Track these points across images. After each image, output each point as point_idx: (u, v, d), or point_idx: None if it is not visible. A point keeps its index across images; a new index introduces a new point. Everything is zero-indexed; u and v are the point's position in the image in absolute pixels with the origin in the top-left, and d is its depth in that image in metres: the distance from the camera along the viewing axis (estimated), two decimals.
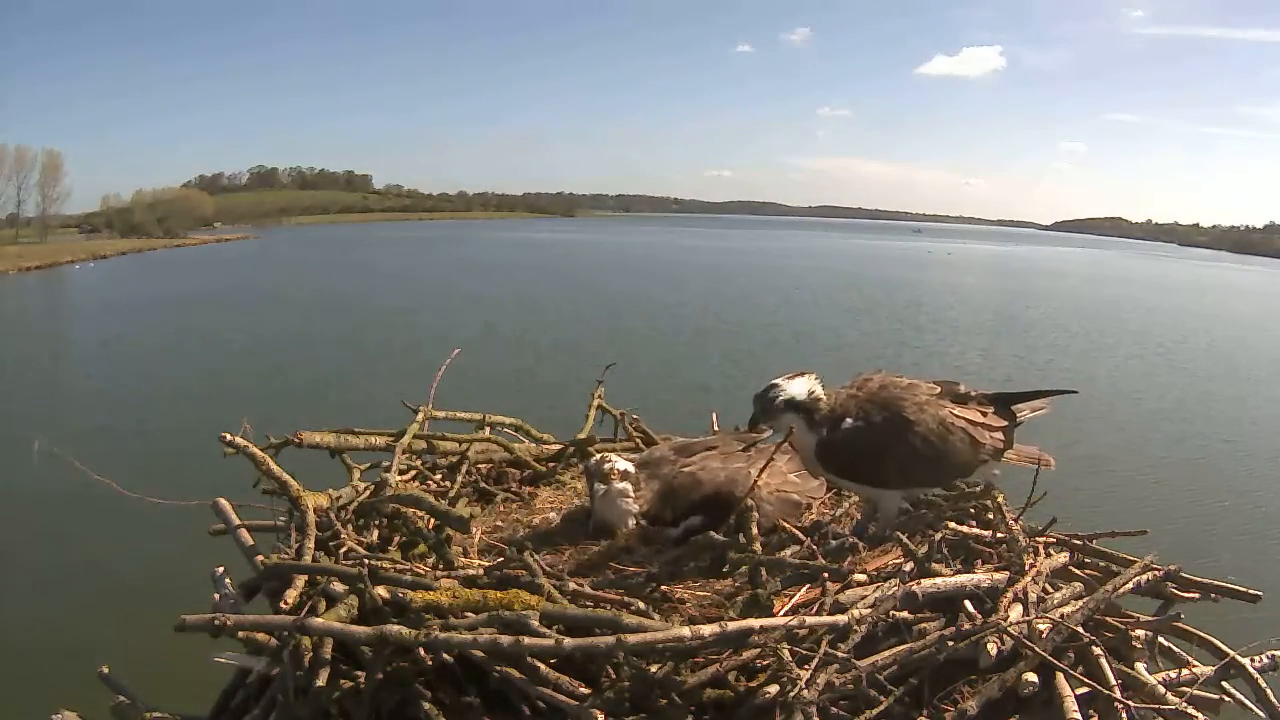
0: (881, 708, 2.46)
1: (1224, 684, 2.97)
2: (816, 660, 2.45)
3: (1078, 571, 3.18)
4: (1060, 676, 2.62)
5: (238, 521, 3.34)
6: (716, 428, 4.66)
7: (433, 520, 3.30)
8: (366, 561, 2.86)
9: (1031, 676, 2.59)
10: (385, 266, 69.14)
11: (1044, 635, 2.67)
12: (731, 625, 2.50)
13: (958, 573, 2.94)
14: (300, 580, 2.83)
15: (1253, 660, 2.93)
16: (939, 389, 3.41)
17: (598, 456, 3.67)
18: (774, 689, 2.44)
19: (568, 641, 2.44)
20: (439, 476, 4.09)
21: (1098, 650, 2.76)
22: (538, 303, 45.62)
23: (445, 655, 2.60)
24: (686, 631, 2.47)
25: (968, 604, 2.79)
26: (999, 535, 3.20)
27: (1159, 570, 3.15)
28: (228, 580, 3.24)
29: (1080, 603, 2.90)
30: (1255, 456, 21.25)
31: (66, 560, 13.45)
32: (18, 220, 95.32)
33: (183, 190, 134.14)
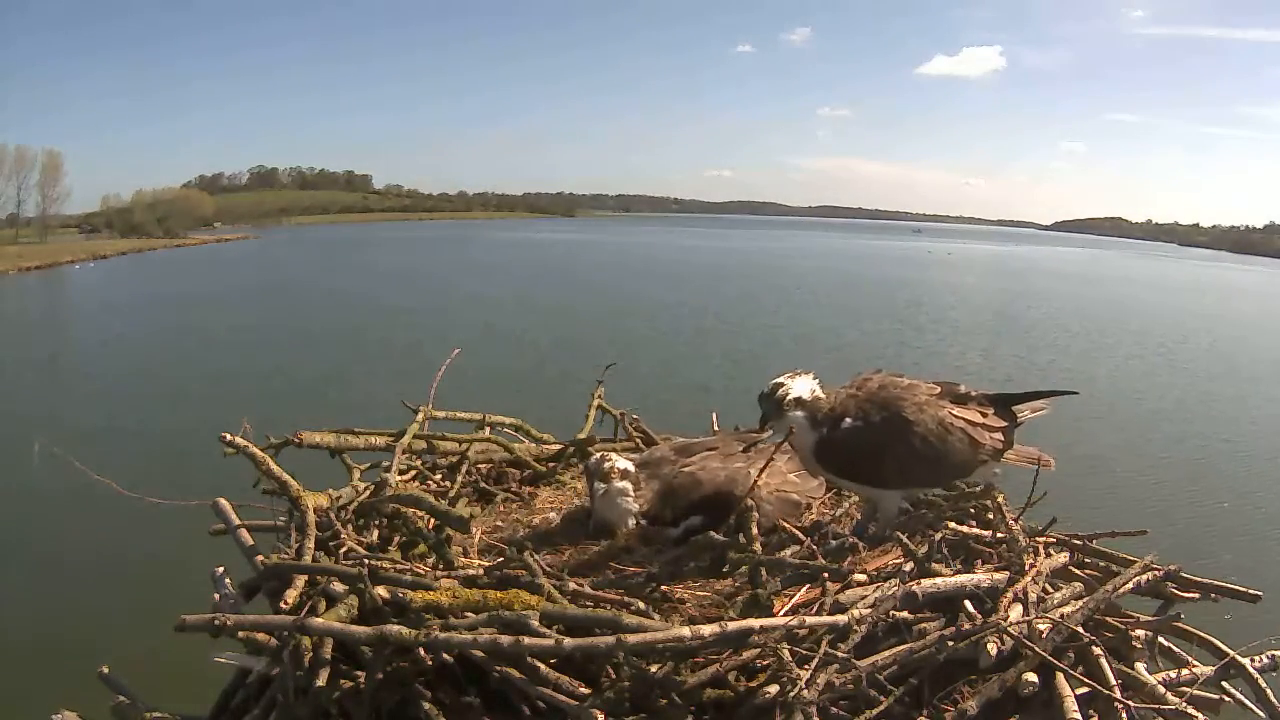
0: (881, 708, 2.46)
1: (1224, 684, 2.97)
2: (816, 660, 2.45)
3: (1078, 571, 3.18)
4: (1060, 676, 2.62)
5: (238, 521, 3.34)
6: (716, 428, 4.66)
7: (433, 520, 3.30)
8: (366, 561, 2.86)
9: (1031, 676, 2.59)
10: (385, 266, 69.16)
11: (1044, 635, 2.67)
12: (731, 625, 2.50)
13: (958, 573, 2.94)
14: (300, 580, 2.83)
15: (1253, 660, 2.93)
16: (939, 389, 3.40)
17: (598, 455, 3.66)
18: (774, 689, 2.44)
19: (568, 641, 2.44)
20: (439, 476, 4.09)
21: (1098, 650, 2.76)
22: (538, 303, 45.63)
23: (445, 655, 2.60)
24: (686, 631, 2.47)
25: (968, 604, 2.79)
26: (999, 535, 3.20)
27: (1159, 570, 3.15)
28: (228, 580, 3.24)
29: (1080, 603, 2.90)
30: (1255, 456, 21.25)
31: (66, 560, 13.45)
32: (18, 220, 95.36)
33: (183, 190, 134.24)
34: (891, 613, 2.68)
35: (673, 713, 2.49)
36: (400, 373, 23.00)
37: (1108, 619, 2.97)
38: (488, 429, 4.56)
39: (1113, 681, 2.68)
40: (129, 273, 70.42)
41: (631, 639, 2.43)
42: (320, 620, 2.59)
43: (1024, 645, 2.60)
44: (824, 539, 3.37)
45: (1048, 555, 3.15)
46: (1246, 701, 2.96)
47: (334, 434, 3.95)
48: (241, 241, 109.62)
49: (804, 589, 2.87)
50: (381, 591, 2.71)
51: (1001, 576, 2.89)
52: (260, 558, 3.11)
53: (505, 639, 2.45)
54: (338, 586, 2.77)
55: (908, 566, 2.91)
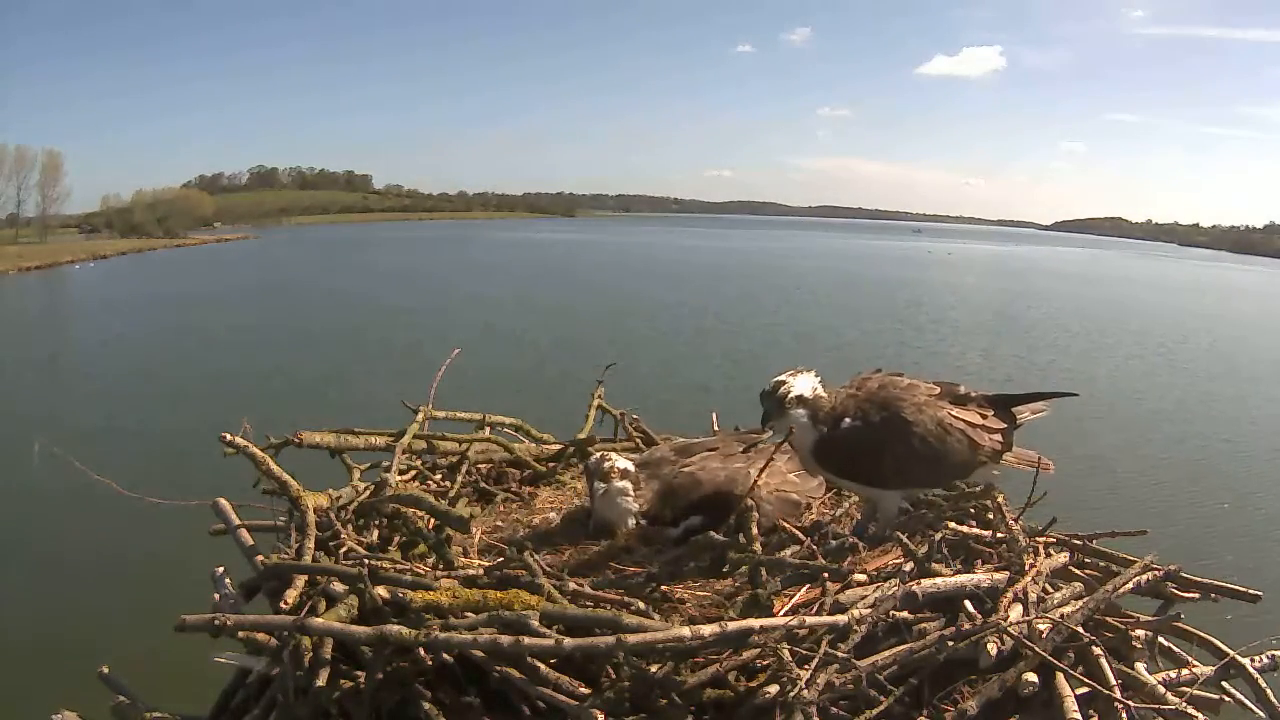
0: (881, 708, 2.46)
1: (1224, 684, 2.97)
2: (816, 660, 2.45)
3: (1078, 571, 3.18)
4: (1060, 676, 2.62)
5: (238, 521, 3.34)
6: (716, 428, 4.66)
7: (433, 520, 3.30)
8: (366, 561, 2.86)
9: (1031, 676, 2.59)
10: (385, 266, 69.16)
11: (1044, 635, 2.67)
12: (731, 625, 2.50)
13: (958, 573, 2.94)
14: (300, 580, 2.83)
15: (1253, 660, 2.93)
16: (939, 390, 3.40)
17: (597, 455, 3.66)
18: (774, 689, 2.44)
19: (568, 641, 2.44)
20: (439, 476, 4.09)
21: (1098, 650, 2.76)
22: (538, 303, 45.64)
23: (445, 655, 2.60)
24: (686, 631, 2.47)
25: (968, 604, 2.79)
26: (999, 535, 3.20)
27: (1159, 570, 3.15)
28: (228, 580, 3.24)
29: (1080, 603, 2.90)
30: (1256, 457, 21.25)
31: (66, 560, 13.45)
32: (18, 220, 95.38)
33: (183, 190, 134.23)
34: (891, 613, 2.68)
35: (673, 713, 2.49)
36: (400, 373, 23.00)
37: (1108, 619, 2.97)
38: (488, 429, 4.56)
39: (1113, 681, 2.68)
40: (129, 273, 70.42)
41: (631, 639, 2.43)
42: (320, 620, 2.59)
43: (1024, 645, 2.60)
44: (824, 539, 3.37)
45: (1048, 555, 3.14)
46: (1246, 701, 2.96)
47: (334, 434, 3.95)
48: (241, 241, 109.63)
49: (804, 589, 2.87)
50: (381, 591, 2.71)
51: (1001, 576, 2.89)
52: (260, 558, 3.11)
53: (505, 639, 2.45)
54: (338, 586, 2.77)
55: (908, 566, 2.91)
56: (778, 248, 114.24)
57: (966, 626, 2.65)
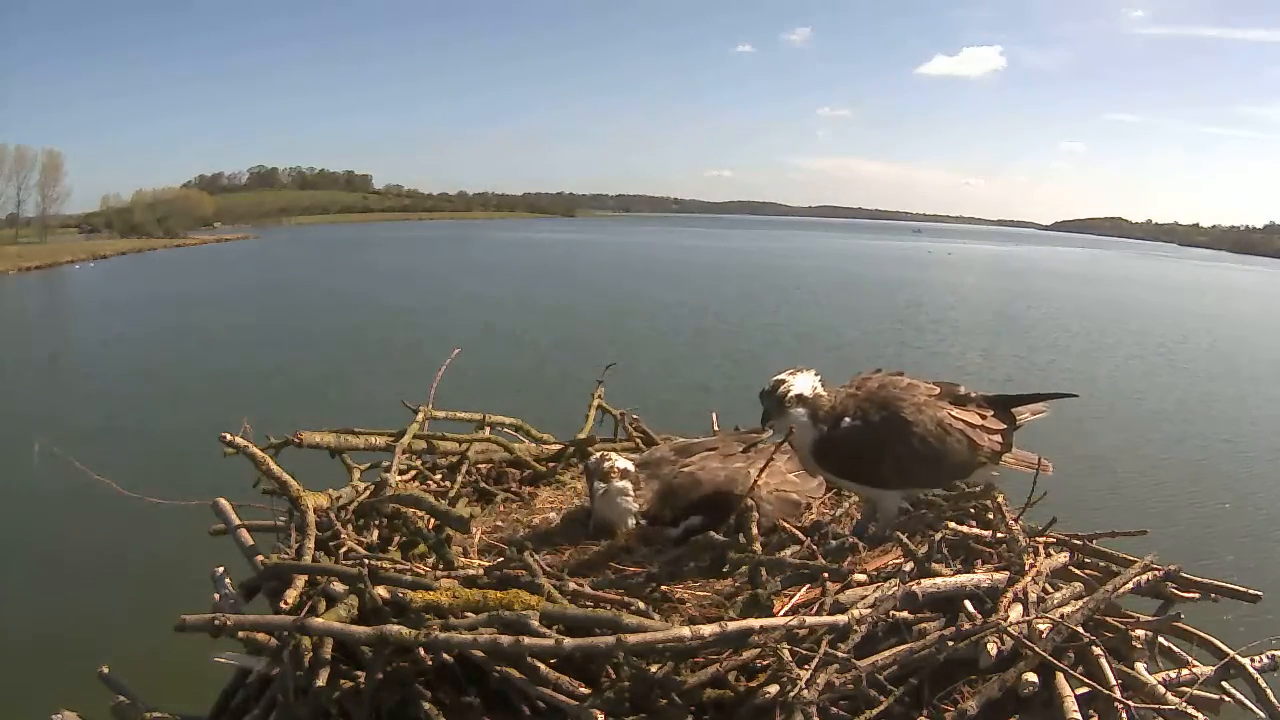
0: (881, 708, 2.46)
1: (1224, 684, 2.97)
2: (816, 660, 2.45)
3: (1078, 571, 3.18)
4: (1060, 676, 2.62)
5: (238, 521, 3.34)
6: (716, 428, 4.66)
7: (433, 520, 3.30)
8: (366, 561, 2.86)
9: (1031, 676, 2.59)
10: (385, 266, 69.17)
11: (1044, 635, 2.67)
12: (731, 625, 2.50)
13: (958, 573, 2.94)
14: (300, 580, 2.84)
15: (1253, 660, 2.93)
16: (938, 390, 3.40)
17: (597, 455, 3.66)
18: (774, 689, 2.44)
19: (568, 641, 2.44)
20: (439, 476, 4.09)
21: (1098, 650, 2.76)
22: (538, 303, 45.64)
23: (445, 655, 2.60)
24: (686, 631, 2.47)
25: (968, 604, 2.79)
26: (999, 535, 3.20)
27: (1159, 570, 3.15)
28: (228, 580, 3.24)
29: (1080, 603, 2.90)
30: (1256, 457, 21.24)
31: (66, 560, 13.45)
32: (18, 220, 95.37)
33: (183, 190, 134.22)
34: (891, 613, 2.68)
35: (673, 713, 2.49)
36: (400, 373, 23.00)
37: (1108, 619, 2.97)
38: (488, 429, 4.56)
39: (1113, 681, 2.68)
40: (129, 273, 70.41)
41: (631, 639, 2.43)
42: (320, 620, 2.59)
43: (1024, 645, 2.60)
44: (824, 539, 3.37)
45: (1048, 555, 3.14)
46: (1246, 701, 2.96)
47: (334, 434, 3.95)
48: (241, 241, 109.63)
49: (804, 589, 2.87)
50: (381, 591, 2.71)
51: (1001, 576, 2.89)
52: (260, 558, 3.11)
53: (505, 639, 2.45)
54: (338, 586, 2.77)
55: (908, 566, 2.91)
56: (778, 248, 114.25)
57: (966, 626, 2.64)
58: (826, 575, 2.87)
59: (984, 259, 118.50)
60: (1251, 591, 3.17)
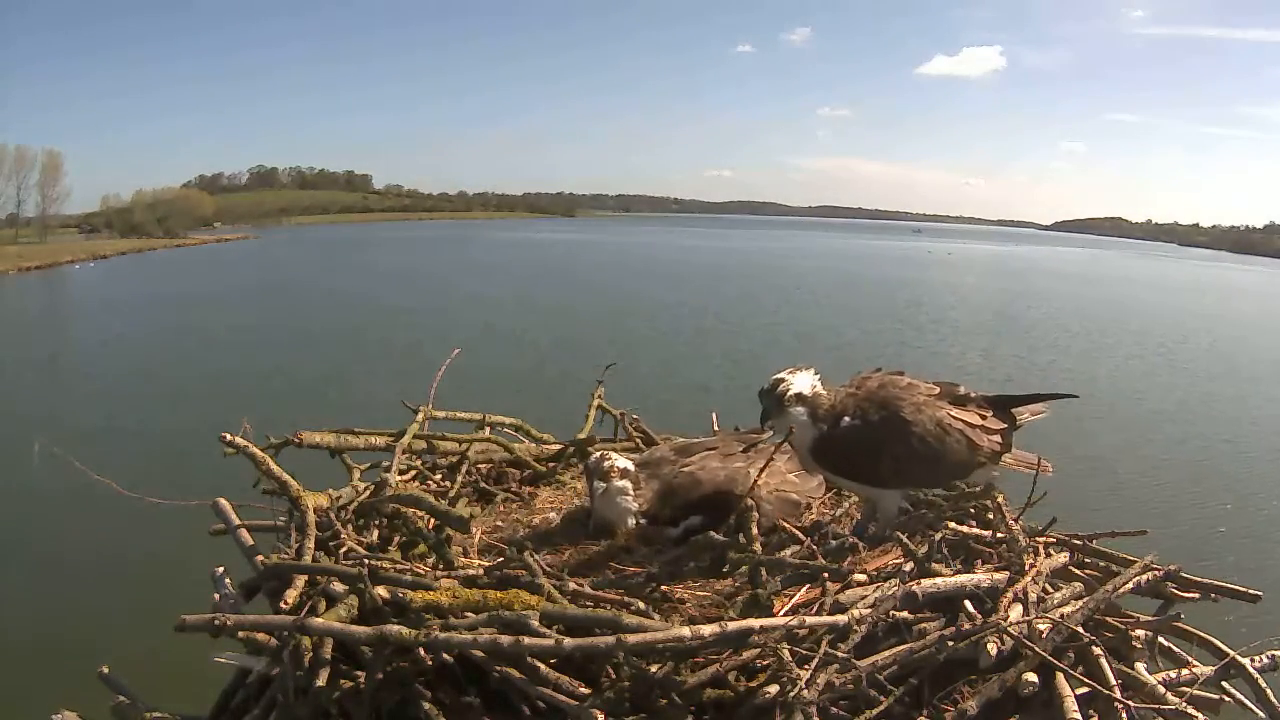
0: (881, 708, 2.46)
1: (1224, 684, 2.97)
2: (816, 660, 2.45)
3: (1078, 571, 3.18)
4: (1060, 676, 2.62)
5: (238, 521, 3.34)
6: (716, 428, 4.66)
7: (433, 520, 3.30)
8: (366, 561, 2.86)
9: (1031, 676, 2.59)
10: (385, 266, 69.17)
11: (1044, 635, 2.67)
12: (731, 625, 2.49)
13: (958, 573, 2.94)
14: (300, 580, 2.83)
15: (1253, 660, 2.93)
16: (938, 390, 3.40)
17: (597, 454, 3.66)
18: (774, 689, 2.44)
19: (568, 641, 2.44)
20: (439, 476, 4.09)
21: (1098, 650, 2.76)
22: (538, 303, 45.64)
23: (445, 655, 2.60)
24: (686, 631, 2.47)
25: (968, 604, 2.78)
26: (999, 535, 3.19)
27: (1159, 570, 3.15)
28: (228, 580, 3.24)
29: (1080, 603, 2.89)
30: (1257, 457, 21.24)
31: (66, 560, 13.45)
32: (18, 220, 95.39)
33: (183, 190, 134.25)
34: (891, 613, 2.67)
35: (673, 713, 2.49)
36: (400, 373, 23.00)
37: (1108, 619, 2.97)
38: (488, 429, 4.56)
39: (1113, 681, 2.68)
40: (129, 273, 70.41)
41: (631, 639, 2.43)
42: (320, 620, 2.59)
43: (1024, 645, 2.59)
44: (824, 539, 3.37)
45: (1048, 555, 3.14)
46: (1246, 701, 2.96)
47: (334, 434, 3.95)
48: (241, 241, 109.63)
49: (804, 589, 2.87)
50: (381, 591, 2.71)
51: (1001, 576, 2.89)
52: (260, 558, 3.11)
53: (505, 639, 2.45)
54: (338, 586, 2.77)
55: (908, 566, 2.91)
56: (778, 248, 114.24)
57: (966, 626, 2.64)
58: (826, 575, 2.86)
59: (984, 259, 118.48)
60: (1251, 591, 3.17)
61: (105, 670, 3.25)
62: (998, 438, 3.38)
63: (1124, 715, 2.62)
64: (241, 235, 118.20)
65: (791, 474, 3.66)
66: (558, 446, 4.51)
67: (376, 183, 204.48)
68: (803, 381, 3.31)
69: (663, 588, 2.96)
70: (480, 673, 2.60)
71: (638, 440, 4.60)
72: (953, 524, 3.28)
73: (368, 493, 3.58)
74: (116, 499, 3.87)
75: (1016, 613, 2.70)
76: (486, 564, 3.13)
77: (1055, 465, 3.37)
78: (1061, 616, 2.78)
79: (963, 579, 2.87)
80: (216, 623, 2.56)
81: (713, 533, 3.13)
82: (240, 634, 2.72)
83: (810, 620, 2.58)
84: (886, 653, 2.57)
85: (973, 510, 3.52)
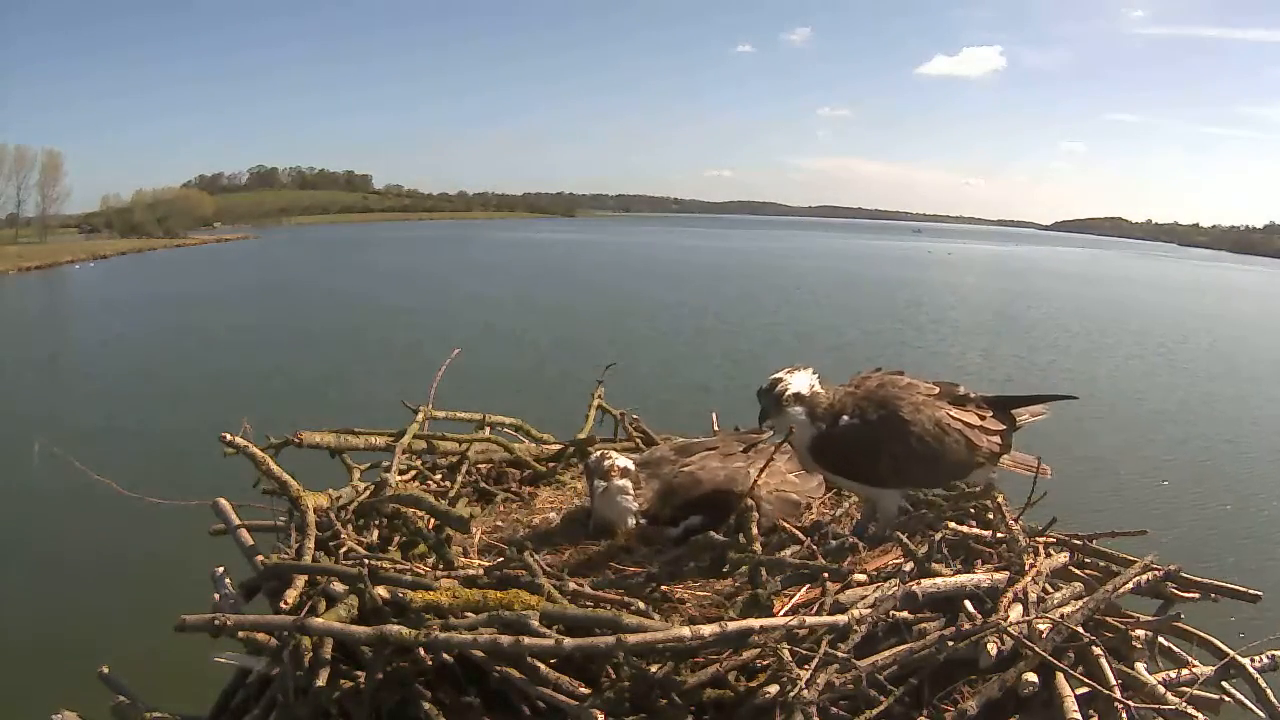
0: (881, 708, 2.46)
1: (1224, 684, 2.97)
2: (816, 660, 2.45)
3: (1078, 571, 3.18)
4: (1060, 676, 2.62)
5: (238, 521, 3.34)
6: (717, 428, 4.66)
7: (433, 520, 3.30)
8: (366, 561, 2.86)
9: (1031, 676, 2.59)
10: (385, 266, 69.17)
11: (1044, 635, 2.67)
12: (731, 625, 2.49)
13: (958, 573, 2.94)
14: (300, 580, 2.83)
15: (1253, 660, 2.93)
16: (937, 390, 3.40)
17: (598, 453, 3.66)
18: (774, 689, 2.44)
19: (568, 641, 2.44)
20: (439, 476, 4.09)
21: (1098, 650, 2.76)
22: (538, 303, 45.64)
23: (445, 655, 2.60)
24: (686, 631, 2.47)
25: (968, 604, 2.79)
26: (999, 535, 3.19)
27: (1159, 570, 3.15)
28: (228, 580, 3.24)
29: (1080, 603, 2.90)
30: (1258, 457, 21.24)
31: (66, 560, 13.45)
32: (18, 220, 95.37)
33: (183, 190, 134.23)
34: (891, 613, 2.67)
35: (673, 713, 2.49)
36: (400, 373, 23.00)
37: (1108, 619, 2.97)
38: (488, 429, 4.56)
39: (1113, 681, 2.68)
40: (129, 273, 70.41)
41: (631, 639, 2.43)
42: (320, 620, 2.59)
43: (1024, 645, 2.59)
44: (824, 539, 3.37)
45: (1048, 555, 3.14)
46: (1246, 701, 2.96)
47: (334, 434, 3.94)
48: (241, 241, 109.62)
49: (804, 589, 2.87)
50: (381, 591, 2.71)
51: (1001, 576, 2.89)
52: (260, 558, 3.11)
53: (505, 639, 2.45)
54: (338, 586, 2.77)
55: (908, 566, 2.91)
56: (778, 248, 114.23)
57: (966, 626, 2.64)
58: (826, 575, 2.86)
59: (984, 259, 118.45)
60: (1251, 591, 3.17)
61: (105, 670, 3.25)
62: (997, 438, 3.38)
63: (1124, 715, 2.62)
64: (241, 235, 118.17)
65: (791, 474, 3.66)
66: (558, 446, 4.51)
67: (376, 183, 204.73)
68: (801, 381, 3.31)
69: (663, 588, 2.96)
70: (480, 673, 2.60)
71: (638, 440, 4.60)
72: (953, 524, 3.28)
73: (368, 493, 3.58)
74: (116, 499, 3.86)
75: (1016, 613, 2.70)
76: (486, 564, 3.13)
77: (1056, 465, 3.37)
78: (1061, 616, 2.78)
79: (963, 579, 2.87)
80: (216, 623, 2.56)
81: (713, 533, 3.13)
82: (240, 634, 2.72)
83: (810, 620, 2.58)
84: (886, 653, 2.57)
85: (973, 510, 3.52)
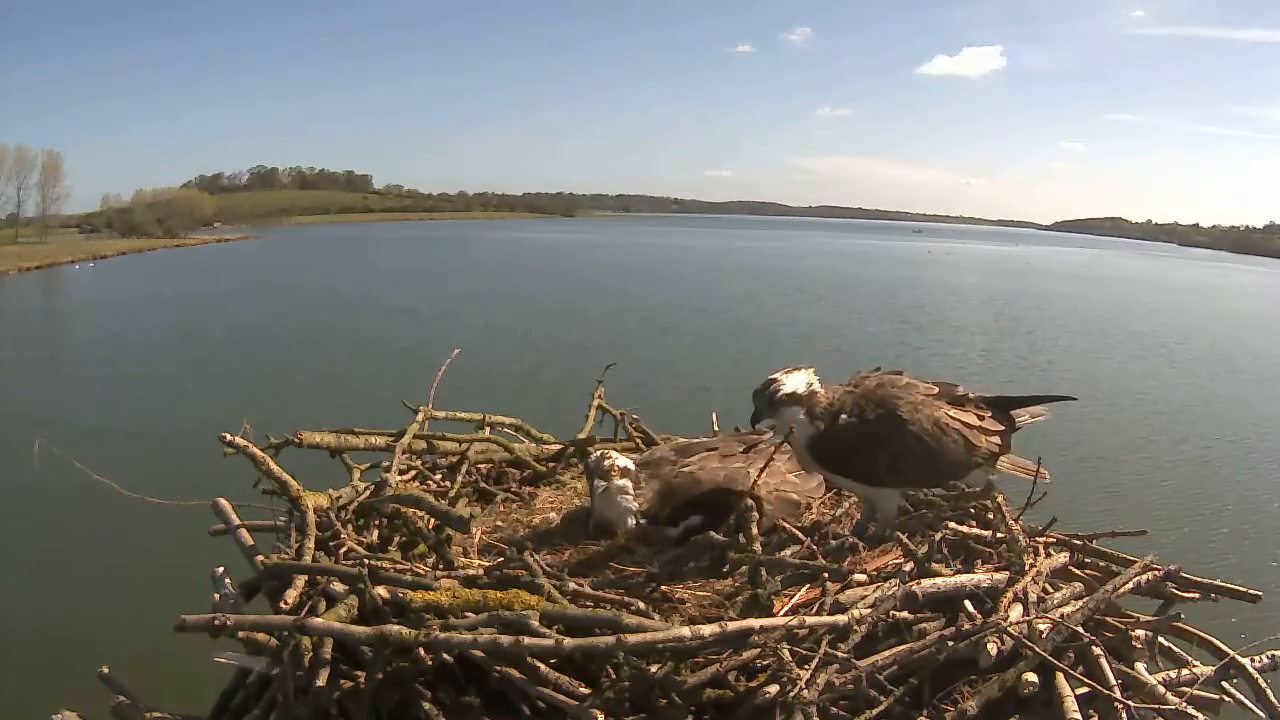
0: (881, 708, 2.46)
1: (1224, 684, 2.97)
2: (816, 660, 2.45)
3: (1078, 571, 3.18)
4: (1060, 676, 2.62)
5: (238, 521, 3.34)
6: (717, 428, 4.66)
7: (433, 520, 3.30)
8: (366, 561, 2.86)
9: (1031, 676, 2.59)
10: (385, 266, 69.18)
11: (1044, 635, 2.67)
12: (731, 625, 2.50)
13: (958, 573, 2.95)
14: (300, 580, 2.84)
15: (1253, 660, 2.93)
16: (936, 390, 3.41)
17: (598, 453, 3.66)
18: (774, 689, 2.44)
19: (568, 641, 2.44)
20: (439, 476, 4.09)
21: (1098, 650, 2.76)
22: (538, 303, 45.64)
23: (445, 655, 2.60)
24: (686, 631, 2.47)
25: (968, 604, 2.79)
26: (999, 535, 3.20)
27: (1159, 570, 3.15)
28: (228, 580, 3.25)
29: (1080, 603, 2.90)
30: (1259, 458, 21.23)
31: (66, 560, 13.44)
32: (18, 220, 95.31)
33: (183, 190, 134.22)
34: (891, 613, 2.68)
35: (673, 713, 2.49)
36: (400, 373, 23.02)
37: (1108, 619, 2.97)
38: (488, 429, 4.56)
39: (1113, 681, 2.68)
40: (129, 273, 70.39)
41: (631, 639, 2.43)
42: (320, 620, 2.59)
43: (1024, 645, 2.60)
44: (824, 539, 3.38)
45: (1048, 555, 3.15)
46: (1246, 701, 2.96)
47: (334, 434, 3.94)
48: (241, 241, 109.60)
49: (804, 589, 2.88)
50: (381, 591, 2.71)
51: (1001, 576, 2.89)
52: (260, 558, 3.11)
53: (505, 639, 2.45)
54: (338, 586, 2.77)
55: (908, 566, 2.91)
56: (778, 248, 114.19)
57: (966, 626, 2.65)
58: (826, 575, 2.87)
59: (984, 259, 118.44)
60: (1251, 592, 3.17)
61: (105, 670, 3.25)
62: (996, 438, 3.39)
63: (1124, 715, 2.62)
64: (241, 235, 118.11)
65: (791, 474, 3.67)
66: (558, 446, 4.51)
67: (376, 183, 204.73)
68: (796, 381, 3.32)
69: (663, 588, 2.96)
70: (480, 673, 2.61)
71: (638, 440, 4.60)
72: (953, 524, 3.28)
73: (368, 493, 3.58)
74: (116, 499, 3.86)
75: (1016, 613, 2.70)
76: (486, 564, 3.13)
77: (1056, 465, 3.37)
78: (1061, 616, 2.78)
79: (963, 579, 2.87)
80: (216, 623, 2.56)
81: (713, 533, 3.13)
82: (240, 634, 2.73)
83: (810, 620, 2.58)
84: (886, 653, 2.58)
85: (973, 510, 3.52)
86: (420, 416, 4.20)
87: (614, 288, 54.83)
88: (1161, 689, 2.77)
